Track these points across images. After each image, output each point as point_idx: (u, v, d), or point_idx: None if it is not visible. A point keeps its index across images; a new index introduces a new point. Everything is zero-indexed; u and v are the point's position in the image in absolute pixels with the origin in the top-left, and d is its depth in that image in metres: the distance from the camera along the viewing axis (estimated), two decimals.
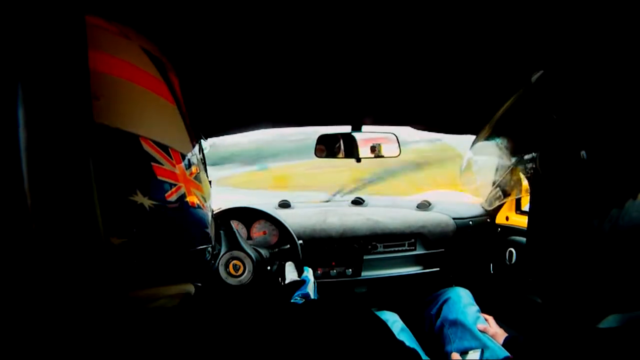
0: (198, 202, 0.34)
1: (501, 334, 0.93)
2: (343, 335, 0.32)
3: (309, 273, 0.89)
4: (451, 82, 0.81)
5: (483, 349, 0.91)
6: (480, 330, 0.94)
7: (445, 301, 1.11)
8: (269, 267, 0.94)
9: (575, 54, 0.54)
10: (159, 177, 0.29)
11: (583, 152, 0.38)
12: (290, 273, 0.91)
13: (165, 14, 0.47)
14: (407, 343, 0.97)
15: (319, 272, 1.25)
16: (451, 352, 0.94)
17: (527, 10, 0.52)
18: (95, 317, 0.24)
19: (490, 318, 1.00)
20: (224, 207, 1.13)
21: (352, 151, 1.19)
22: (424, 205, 1.45)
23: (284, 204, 1.46)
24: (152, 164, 0.28)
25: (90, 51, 0.26)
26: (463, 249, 1.37)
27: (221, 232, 0.91)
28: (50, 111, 0.22)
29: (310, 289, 0.83)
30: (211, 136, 0.98)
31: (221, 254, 0.89)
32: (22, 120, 0.20)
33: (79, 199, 0.23)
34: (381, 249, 1.31)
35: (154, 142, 0.29)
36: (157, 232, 0.29)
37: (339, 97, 0.92)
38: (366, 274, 1.29)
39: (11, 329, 0.21)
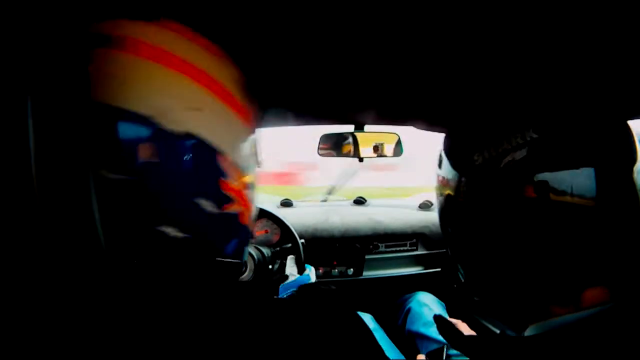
0: (246, 222, 0.35)
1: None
2: (317, 334, 0.32)
3: (310, 272, 0.89)
4: (455, 82, 0.80)
5: (447, 345, 0.90)
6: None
7: (408, 312, 1.09)
8: (270, 266, 0.94)
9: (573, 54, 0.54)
10: (223, 191, 0.31)
11: None
12: (291, 268, 0.91)
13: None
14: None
15: (320, 271, 1.25)
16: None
17: (531, 10, 0.52)
18: (96, 313, 0.25)
19: (458, 322, 0.97)
20: None
21: (354, 150, 1.19)
22: (426, 205, 1.45)
23: (286, 203, 1.46)
24: (220, 179, 0.31)
25: (194, 65, 0.29)
26: None
27: None
28: (56, 121, 0.23)
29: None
30: None
31: None
32: (32, 128, 0.22)
33: (79, 204, 0.23)
34: (383, 249, 1.31)
35: (231, 159, 0.31)
36: (214, 237, 0.32)
37: (341, 96, 0.92)
38: (368, 273, 1.29)
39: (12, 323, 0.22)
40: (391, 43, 0.63)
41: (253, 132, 0.36)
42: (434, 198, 1.50)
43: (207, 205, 0.30)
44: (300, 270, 0.91)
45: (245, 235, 0.36)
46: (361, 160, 1.20)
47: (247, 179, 0.34)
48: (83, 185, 0.24)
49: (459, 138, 0.45)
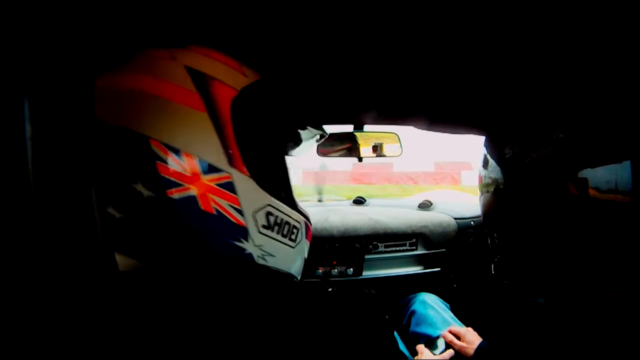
0: (220, 210, 0.35)
1: (469, 347, 0.87)
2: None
3: None
4: (454, 82, 0.80)
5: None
6: (447, 341, 0.92)
7: (412, 314, 1.10)
8: None
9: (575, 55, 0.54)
10: (162, 175, 0.33)
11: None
12: None
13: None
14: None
15: (320, 271, 1.25)
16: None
17: (531, 10, 0.51)
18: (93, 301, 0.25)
19: (464, 330, 0.93)
20: None
21: (353, 150, 1.18)
22: (426, 205, 1.45)
23: None
24: (157, 162, 0.33)
25: (130, 73, 0.35)
26: (464, 249, 1.36)
27: None
28: (53, 111, 0.23)
29: None
30: None
31: None
32: (28, 118, 0.22)
33: (77, 194, 0.24)
34: (382, 249, 1.31)
35: (164, 144, 0.33)
36: (155, 220, 0.34)
37: (341, 97, 0.92)
38: (367, 273, 1.29)
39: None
40: (392, 43, 0.63)
41: (204, 110, 0.36)
42: (433, 197, 1.50)
43: (143, 189, 0.33)
44: None
45: (221, 227, 0.36)
46: (360, 160, 1.20)
47: (204, 162, 0.35)
48: (81, 182, 0.25)
49: (501, 140, 0.50)
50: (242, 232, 0.37)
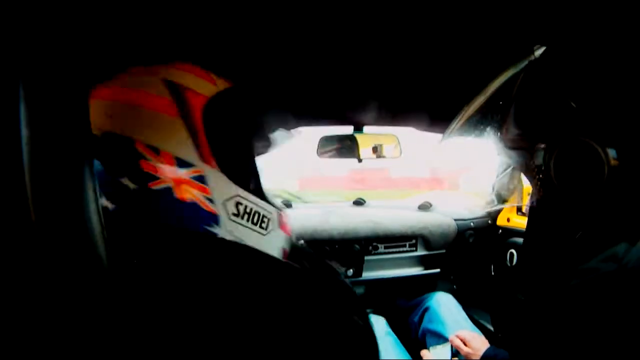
0: (194, 199, 0.40)
1: (475, 353, 0.86)
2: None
3: None
4: (455, 82, 0.81)
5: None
6: (454, 346, 0.91)
7: (426, 310, 1.11)
8: None
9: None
10: (144, 170, 0.38)
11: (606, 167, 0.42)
12: None
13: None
14: (391, 347, 0.98)
15: None
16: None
17: (529, 11, 0.52)
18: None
19: (471, 335, 0.92)
20: None
21: (353, 152, 1.19)
22: (425, 207, 1.45)
23: (285, 204, 1.46)
24: (140, 160, 0.38)
25: (118, 87, 0.41)
26: (464, 250, 1.37)
27: None
28: (49, 113, 0.23)
29: None
30: None
31: None
32: (24, 120, 0.22)
33: (75, 196, 0.24)
34: (382, 250, 1.31)
35: (146, 144, 0.39)
36: (141, 209, 0.39)
37: (340, 98, 0.93)
38: (367, 274, 1.28)
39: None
40: (392, 43, 0.64)
41: (178, 117, 0.41)
42: (433, 199, 1.50)
43: (129, 183, 0.39)
44: None
45: (195, 213, 0.40)
46: (360, 161, 1.20)
47: (178, 159, 0.40)
48: (76, 180, 0.25)
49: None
50: (214, 218, 0.41)
